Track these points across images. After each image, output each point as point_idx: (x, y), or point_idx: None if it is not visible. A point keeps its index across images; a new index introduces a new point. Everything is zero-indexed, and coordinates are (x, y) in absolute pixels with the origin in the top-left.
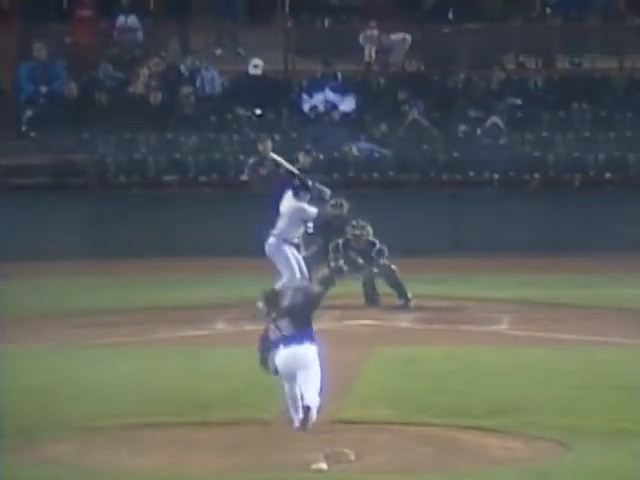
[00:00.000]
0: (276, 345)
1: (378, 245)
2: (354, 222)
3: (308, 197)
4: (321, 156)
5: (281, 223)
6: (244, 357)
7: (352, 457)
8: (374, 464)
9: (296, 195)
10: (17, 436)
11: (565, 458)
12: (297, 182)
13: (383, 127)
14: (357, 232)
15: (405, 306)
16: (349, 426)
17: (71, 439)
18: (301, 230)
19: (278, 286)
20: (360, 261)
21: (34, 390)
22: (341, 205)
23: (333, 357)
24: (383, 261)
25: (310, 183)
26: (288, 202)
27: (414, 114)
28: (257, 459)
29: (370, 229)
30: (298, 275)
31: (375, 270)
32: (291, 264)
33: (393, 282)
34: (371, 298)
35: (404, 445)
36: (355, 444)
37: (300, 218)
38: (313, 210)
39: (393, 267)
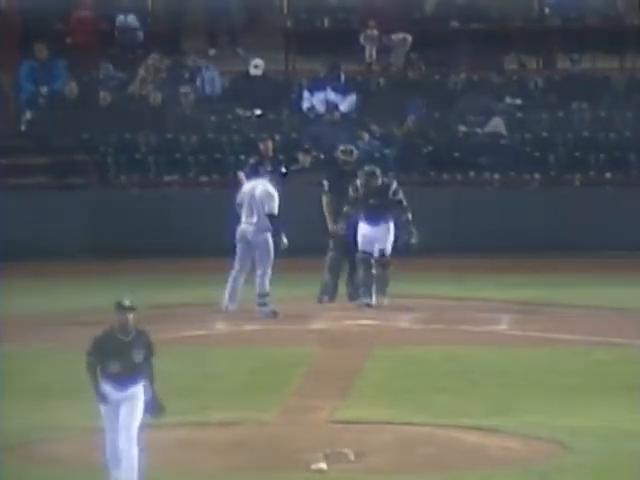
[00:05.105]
0: None
1: (394, 185)
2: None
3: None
4: (321, 156)
5: (257, 210)
6: (244, 357)
7: (352, 457)
8: (374, 464)
9: (271, 180)
10: (17, 436)
11: (565, 458)
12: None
13: (383, 127)
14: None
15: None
16: (349, 426)
17: (71, 439)
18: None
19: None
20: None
21: (34, 390)
22: (351, 152)
23: (333, 357)
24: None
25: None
26: (263, 186)
27: (413, 121)
28: (257, 459)
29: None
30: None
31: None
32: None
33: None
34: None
35: (404, 445)
36: (355, 444)
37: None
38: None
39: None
